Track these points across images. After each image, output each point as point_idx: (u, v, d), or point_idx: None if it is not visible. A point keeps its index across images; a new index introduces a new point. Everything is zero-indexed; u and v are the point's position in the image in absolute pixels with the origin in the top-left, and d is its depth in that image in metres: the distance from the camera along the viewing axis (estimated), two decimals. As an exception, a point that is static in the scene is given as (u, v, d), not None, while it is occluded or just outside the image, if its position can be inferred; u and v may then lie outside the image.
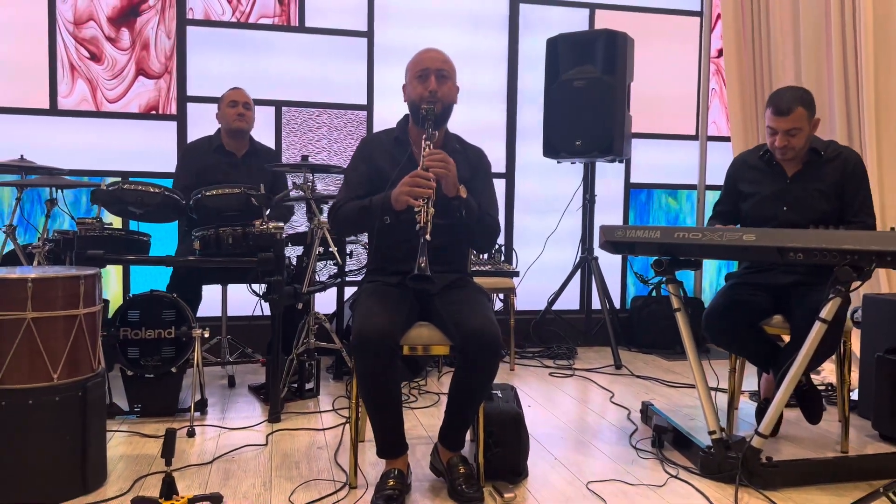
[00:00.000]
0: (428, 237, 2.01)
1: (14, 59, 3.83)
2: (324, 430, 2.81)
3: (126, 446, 2.57)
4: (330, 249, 3.26)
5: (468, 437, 2.34)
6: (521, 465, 2.30)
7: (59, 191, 2.88)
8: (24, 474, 2.03)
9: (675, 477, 2.34)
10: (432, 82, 2.25)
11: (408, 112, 2.36)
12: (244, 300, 3.82)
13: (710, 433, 2.35)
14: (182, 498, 2.03)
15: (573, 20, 4.56)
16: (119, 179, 2.93)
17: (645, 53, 4.48)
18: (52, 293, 2.08)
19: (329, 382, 3.53)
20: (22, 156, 3.08)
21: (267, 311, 3.70)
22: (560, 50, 4.16)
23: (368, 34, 4.27)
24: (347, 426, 2.79)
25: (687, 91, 4.78)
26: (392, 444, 2.14)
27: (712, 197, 4.72)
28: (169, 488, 2.03)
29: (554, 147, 4.18)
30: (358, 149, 2.40)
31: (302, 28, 4.18)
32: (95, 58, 3.95)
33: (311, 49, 4.21)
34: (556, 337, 4.41)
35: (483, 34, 4.47)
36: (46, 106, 3.88)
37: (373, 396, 2.07)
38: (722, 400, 2.90)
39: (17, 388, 2.02)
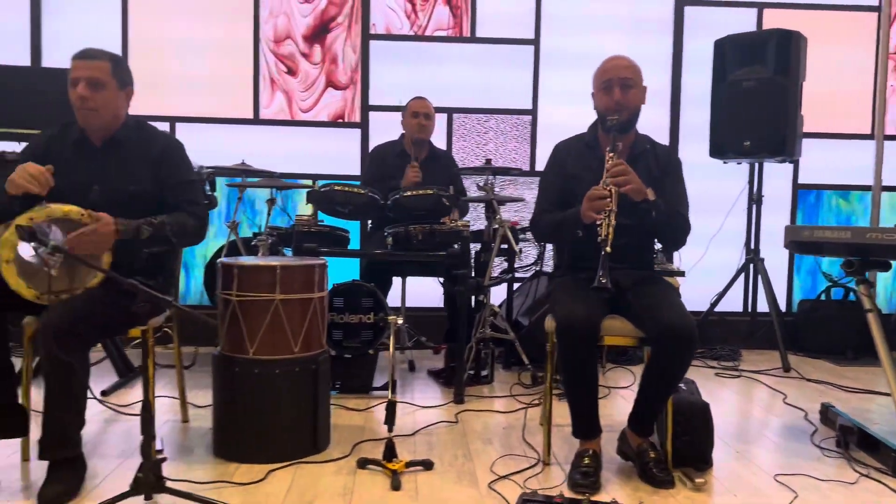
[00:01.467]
0: (608, 250, 2.17)
1: (225, 75, 4.35)
2: (506, 412, 3.03)
3: (335, 417, 2.89)
4: (504, 247, 3.47)
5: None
6: (707, 454, 2.40)
7: (278, 191, 3.28)
8: (270, 432, 2.39)
9: (867, 476, 2.36)
10: (616, 93, 2.39)
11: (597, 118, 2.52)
12: (417, 292, 4.15)
13: (905, 435, 2.35)
14: (400, 461, 2.32)
15: (740, 21, 4.53)
16: (329, 182, 3.29)
17: (816, 51, 4.37)
18: (294, 279, 2.43)
19: (500, 371, 3.75)
20: (243, 161, 3.54)
21: (438, 303, 4.02)
22: (727, 51, 4.16)
23: (535, 41, 4.46)
24: (529, 410, 3.00)
25: (861, 89, 4.61)
26: (588, 425, 2.30)
27: (889, 198, 4.53)
28: (390, 452, 2.32)
29: (721, 148, 4.19)
30: (551, 156, 2.59)
31: (473, 38, 4.45)
32: (291, 72, 4.40)
33: (480, 58, 4.46)
34: (718, 339, 4.41)
35: (647, 37, 4.54)
36: (250, 116, 4.38)
37: (573, 379, 2.25)
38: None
39: (266, 359, 2.38)
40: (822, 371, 3.95)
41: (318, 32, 4.40)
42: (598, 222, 2.22)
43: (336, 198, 3.18)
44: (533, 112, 4.51)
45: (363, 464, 2.35)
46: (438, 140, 4.34)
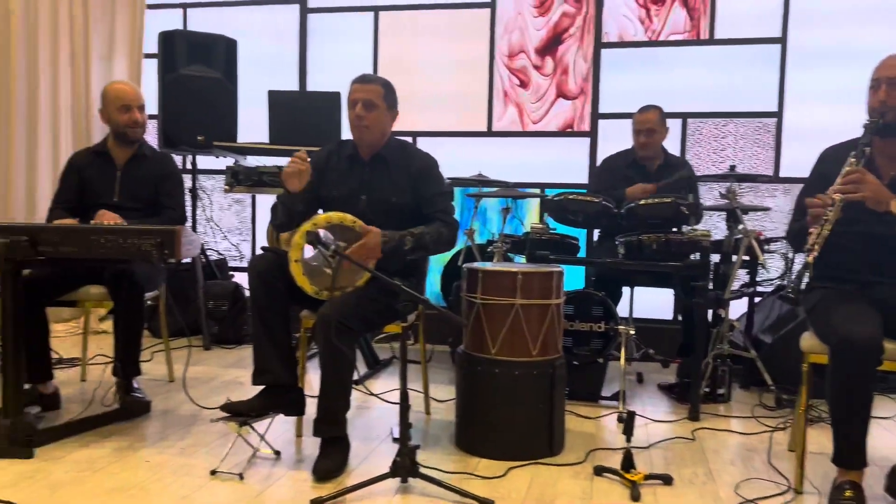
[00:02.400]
0: (809, 260, 2.04)
1: (462, 91, 4.61)
2: (747, 434, 2.87)
3: (567, 422, 2.92)
4: (746, 258, 3.29)
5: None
6: None
7: (513, 201, 3.41)
8: (509, 430, 2.49)
9: None
10: (881, 92, 2.19)
11: None
12: (645, 303, 4.05)
13: None
14: (639, 473, 2.30)
15: None
16: (561, 192, 3.35)
17: None
18: (533, 285, 2.52)
19: (737, 390, 3.55)
20: (480, 172, 3.72)
21: (667, 315, 3.91)
22: None
23: (782, 40, 4.17)
24: (775, 434, 2.81)
25: None
26: (855, 454, 2.10)
27: None
28: (629, 462, 2.31)
29: None
30: (816, 162, 2.42)
31: (712, 40, 4.27)
32: (523, 84, 4.55)
33: (718, 60, 4.27)
34: None
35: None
36: (485, 128, 4.59)
37: (846, 402, 2.06)
38: None
39: (507, 360, 2.49)
40: None
41: (551, 44, 4.49)
42: (810, 230, 2.08)
43: (569, 206, 3.24)
44: (778, 114, 4.21)
45: (600, 471, 2.36)
46: (673, 146, 4.22)
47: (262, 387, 2.41)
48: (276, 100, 4.08)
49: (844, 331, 2.03)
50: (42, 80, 4.52)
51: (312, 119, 3.86)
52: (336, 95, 3.99)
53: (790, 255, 3.57)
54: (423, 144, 4.66)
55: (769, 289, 3.87)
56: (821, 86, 4.08)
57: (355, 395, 3.18)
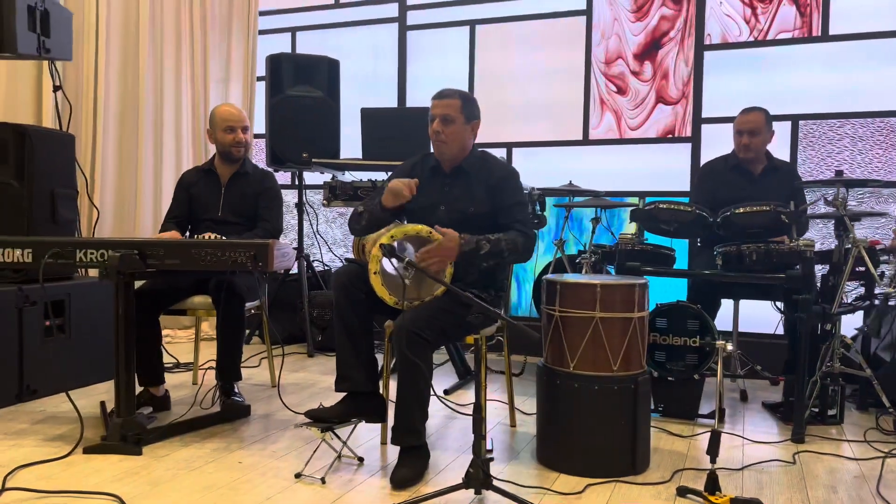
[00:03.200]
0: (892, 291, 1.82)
1: (558, 100, 4.58)
2: (856, 460, 2.66)
3: (656, 440, 2.84)
4: (860, 269, 3.05)
5: None
6: None
7: (602, 210, 3.35)
8: (588, 446, 2.44)
9: None
10: None
11: None
12: (753, 316, 3.84)
13: None
14: (725, 497, 2.19)
15: None
16: (652, 199, 3.26)
17: None
18: (614, 297, 2.46)
19: (852, 412, 3.29)
20: (570, 181, 3.68)
21: (777, 329, 3.68)
22: None
23: (905, 32, 3.85)
24: (888, 461, 2.59)
25: None
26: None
27: None
28: (713, 484, 2.21)
29: None
30: None
31: (825, 37, 4.00)
32: (621, 91, 4.45)
33: (832, 57, 3.99)
34: None
35: None
36: (580, 137, 4.53)
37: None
38: None
39: (586, 374, 2.45)
40: None
41: (649, 49, 4.37)
42: None
43: (660, 216, 3.13)
44: (902, 113, 3.89)
45: (683, 492, 2.27)
46: (781, 150, 3.99)
47: (344, 393, 2.50)
48: (369, 116, 4.22)
49: None
50: (166, 103, 4.91)
51: (405, 134, 3.96)
52: (427, 110, 4.07)
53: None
54: (519, 155, 4.67)
55: (891, 302, 3.55)
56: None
57: (441, 406, 3.25)
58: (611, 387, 2.44)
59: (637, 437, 2.46)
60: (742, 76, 4.17)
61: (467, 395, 3.51)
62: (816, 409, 3.11)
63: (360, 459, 2.54)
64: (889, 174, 3.91)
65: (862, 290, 3.37)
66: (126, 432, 2.56)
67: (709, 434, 2.85)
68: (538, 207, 3.70)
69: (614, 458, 2.45)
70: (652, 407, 3.17)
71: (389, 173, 2.96)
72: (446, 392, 3.53)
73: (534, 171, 4.49)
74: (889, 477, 2.44)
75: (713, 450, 2.20)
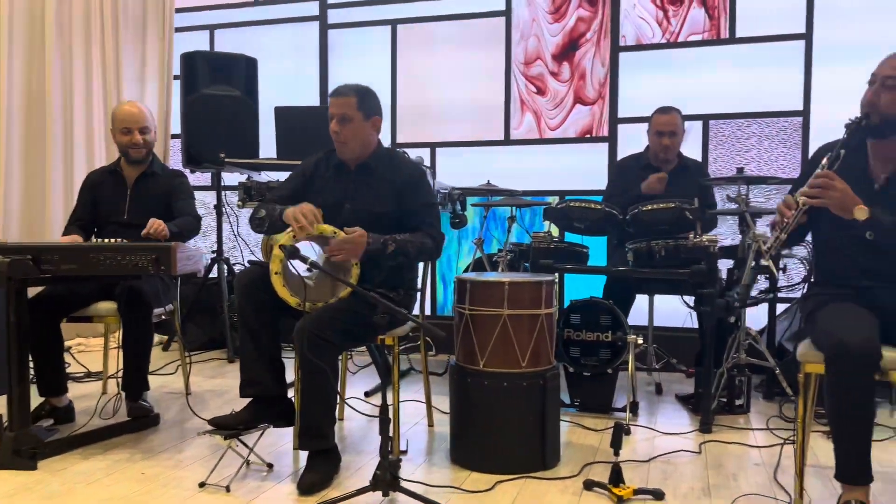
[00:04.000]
0: (763, 263, 2.01)
1: (479, 100, 4.60)
2: (759, 447, 2.75)
3: (570, 435, 2.88)
4: (764, 264, 3.16)
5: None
6: None
7: (518, 209, 3.38)
8: (499, 443, 2.45)
9: None
10: (870, 92, 2.09)
11: None
12: (670, 311, 3.94)
13: None
14: (628, 488, 2.23)
15: None
16: (566, 198, 3.30)
17: None
18: (522, 295, 2.48)
19: (759, 401, 3.41)
20: (488, 181, 3.70)
21: (694, 323, 3.78)
22: None
23: (806, 36, 4.01)
24: (786, 447, 2.68)
25: None
26: (857, 468, 1.98)
27: None
28: (617, 476, 2.25)
29: None
30: (811, 159, 2.32)
31: (732, 39, 4.14)
32: (540, 91, 4.50)
33: (739, 59, 4.13)
34: None
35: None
36: (502, 137, 4.57)
37: (842, 411, 1.95)
38: None
39: (495, 371, 2.46)
40: None
41: (567, 50, 4.44)
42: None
43: (572, 214, 3.18)
44: (804, 113, 4.05)
45: (590, 486, 2.30)
46: (693, 149, 4.11)
47: (250, 399, 2.45)
48: (283, 115, 4.16)
49: (838, 337, 1.92)
50: (76, 102, 4.72)
51: (319, 133, 3.89)
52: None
53: (811, 258, 3.41)
54: (442, 155, 4.67)
55: (794, 294, 3.71)
56: (848, 83, 3.89)
57: (364, 409, 3.22)
58: (520, 383, 2.46)
59: (546, 432, 2.48)
60: (656, 77, 4.28)
61: (389, 397, 3.48)
62: (724, 400, 3.21)
63: (270, 466, 2.49)
64: (793, 171, 4.07)
65: (766, 283, 3.51)
66: (19, 446, 2.44)
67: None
68: (459, 207, 3.71)
69: (524, 454, 2.46)
70: (568, 402, 3.22)
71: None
72: (367, 394, 3.50)
73: (457, 171, 4.51)
74: (786, 463, 2.53)
75: (616, 443, 2.24)
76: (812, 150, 4.05)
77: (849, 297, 2.11)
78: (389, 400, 2.21)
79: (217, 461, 2.46)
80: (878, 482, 2.31)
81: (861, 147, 2.17)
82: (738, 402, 3.22)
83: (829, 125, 3.99)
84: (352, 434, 2.90)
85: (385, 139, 2.84)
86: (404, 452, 2.67)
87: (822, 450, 2.68)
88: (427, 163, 4.43)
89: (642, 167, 3.66)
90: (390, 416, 2.18)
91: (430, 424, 3.02)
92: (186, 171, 3.80)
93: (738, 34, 4.13)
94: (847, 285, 2.14)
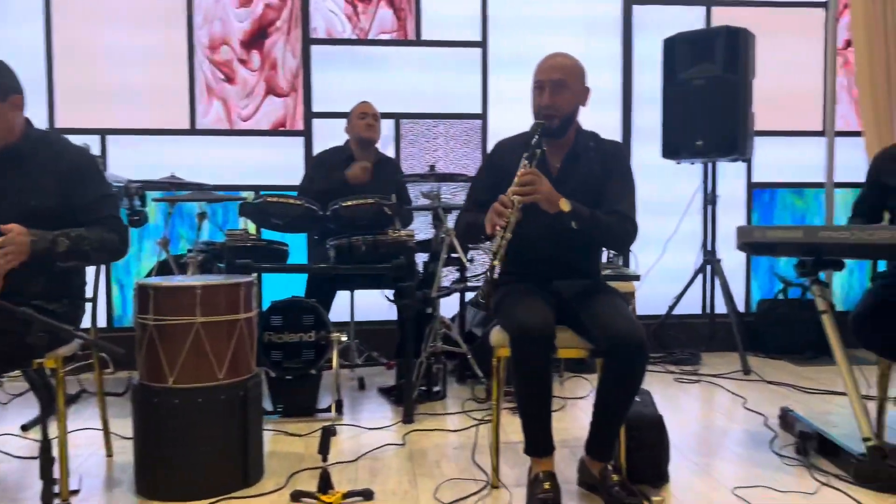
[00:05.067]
0: (495, 264, 2.00)
1: (158, 84, 4.15)
2: (456, 430, 2.88)
3: (274, 444, 2.72)
4: (455, 256, 3.34)
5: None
6: (664, 469, 2.28)
7: (209, 205, 3.10)
8: (193, 466, 2.20)
9: (827, 485, 2.26)
10: (546, 96, 2.26)
11: None
12: (368, 305, 3.98)
13: (865, 440, 2.26)
14: (336, 493, 2.15)
15: (688, 19, 4.46)
16: (265, 193, 3.12)
17: (765, 48, 4.33)
18: (217, 299, 2.25)
19: (454, 385, 3.60)
20: (172, 174, 3.34)
21: (391, 316, 3.85)
22: (677, 49, 4.09)
23: (482, 44, 4.34)
24: (480, 427, 2.85)
25: (812, 86, 4.58)
26: (542, 441, 2.15)
27: (843, 195, 4.50)
28: (325, 483, 2.15)
29: (673, 148, 4.11)
30: (489, 154, 2.46)
31: (419, 41, 4.31)
32: (229, 79, 4.22)
33: (427, 61, 4.33)
34: (677, 342, 4.32)
35: (596, 38, 4.45)
36: (187, 126, 4.18)
37: (527, 391, 2.10)
38: (869, 407, 2.76)
39: (188, 387, 2.20)
40: (782, 372, 3.88)
41: (256, 38, 4.22)
42: (494, 237, 2.07)
43: (270, 209, 3.01)
44: (483, 116, 4.39)
45: (297, 496, 2.17)
46: (386, 147, 4.19)
47: None
48: None
49: (520, 321, 2.06)
50: None
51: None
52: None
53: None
54: (115, 144, 4.12)
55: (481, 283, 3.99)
56: (518, 90, 4.31)
57: (23, 444, 2.68)
58: (217, 397, 2.23)
59: (248, 446, 2.29)
60: (350, 73, 4.28)
61: (53, 429, 2.94)
62: (424, 388, 3.32)
63: None
64: (475, 171, 4.39)
65: (458, 274, 3.72)
66: None
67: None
68: (138, 202, 3.28)
69: (225, 473, 2.24)
70: (271, 409, 3.05)
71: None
72: (24, 428, 2.92)
73: (133, 162, 4.01)
74: (482, 443, 2.68)
75: (324, 448, 2.14)
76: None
77: (533, 287, 2.29)
78: (54, 432, 1.83)
79: None
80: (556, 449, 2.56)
81: (539, 147, 2.35)
82: (436, 389, 3.36)
83: (504, 128, 4.38)
84: (5, 480, 2.38)
85: (40, 124, 2.35)
86: (76, 492, 2.26)
87: (511, 425, 2.90)
88: (96, 151, 3.87)
89: (345, 159, 3.63)
90: (54, 453, 1.80)
91: (109, 454, 2.61)
92: None
93: (424, 37, 4.32)
94: (534, 275, 2.31)
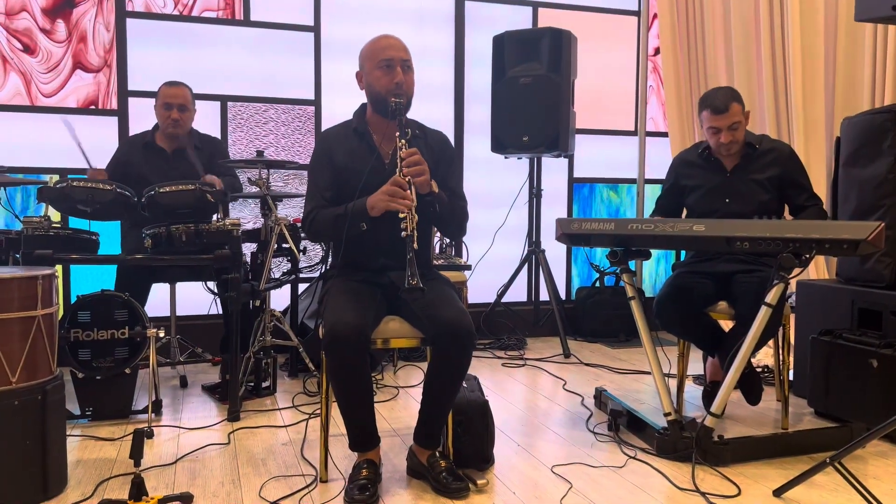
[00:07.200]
0: (415, 246, 2.05)
1: (-60, 51, 3.64)
2: (286, 426, 2.80)
3: (81, 451, 2.50)
4: (286, 246, 3.24)
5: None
6: (489, 453, 2.36)
7: (4, 189, 2.77)
8: (-18, 482, 1.96)
9: (634, 458, 2.45)
10: (399, 73, 2.23)
11: (364, 102, 2.36)
12: (190, 299, 3.77)
13: (666, 415, 2.47)
14: (151, 499, 2.01)
15: (517, 18, 4.64)
16: (69, 177, 2.83)
17: (587, 51, 4.61)
18: (10, 294, 2.01)
19: (285, 380, 3.51)
20: (-42, 152, 2.95)
21: (215, 310, 3.67)
22: (506, 47, 4.24)
23: (315, 29, 4.24)
24: (310, 422, 2.79)
25: (626, 88, 4.95)
26: (364, 437, 2.16)
27: (651, 190, 4.91)
28: (138, 490, 2.00)
29: (501, 142, 4.26)
30: (316, 148, 2.39)
31: (247, 22, 4.12)
32: (29, 50, 3.79)
33: (257, 43, 4.15)
34: (505, 328, 4.51)
35: (429, 31, 4.50)
36: (-23, 100, 3.71)
37: (345, 391, 2.09)
38: (670, 384, 3.04)
39: (-27, 394, 1.95)
40: (598, 354, 4.17)
41: (62, 6, 3.82)
42: (402, 217, 2.08)
43: (75, 195, 2.74)
44: (316, 103, 4.29)
45: (106, 506, 2.00)
46: (211, 130, 3.96)
47: None
48: None
49: (332, 321, 2.03)
50: None
51: None
52: None
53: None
54: None
55: (314, 274, 3.92)
56: (351, 77, 4.26)
57: None
58: (10, 403, 1.99)
59: (48, 454, 2.08)
60: (171, 50, 4.00)
61: None
62: (252, 384, 3.20)
63: None
64: (308, 158, 4.27)
65: (289, 265, 3.61)
66: None
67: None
68: (-87, 185, 2.86)
69: (20, 484, 2.02)
70: (78, 412, 2.80)
71: None
72: None
73: None
74: (313, 437, 2.63)
75: (136, 452, 1.99)
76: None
77: (363, 278, 2.26)
78: None
79: None
80: (385, 439, 2.57)
81: (365, 130, 2.33)
82: (264, 385, 3.24)
83: (338, 115, 4.31)
84: None
85: None
86: None
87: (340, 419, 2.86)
88: None
89: (145, 144, 3.38)
90: None
91: None
92: None
93: (253, 17, 4.13)
94: (365, 268, 2.28)
